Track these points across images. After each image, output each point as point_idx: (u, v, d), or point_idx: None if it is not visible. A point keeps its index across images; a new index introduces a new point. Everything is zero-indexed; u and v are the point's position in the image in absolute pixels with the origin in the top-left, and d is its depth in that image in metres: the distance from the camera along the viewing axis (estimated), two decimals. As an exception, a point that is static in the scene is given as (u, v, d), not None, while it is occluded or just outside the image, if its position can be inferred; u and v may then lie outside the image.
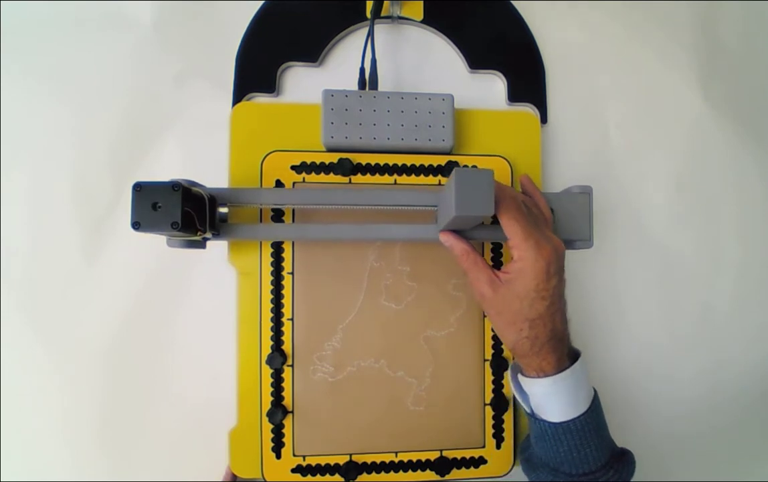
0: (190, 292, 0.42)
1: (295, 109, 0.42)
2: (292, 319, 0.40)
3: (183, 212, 0.30)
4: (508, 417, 0.42)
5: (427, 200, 0.36)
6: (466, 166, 0.41)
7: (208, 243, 0.42)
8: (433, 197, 0.36)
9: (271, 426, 0.40)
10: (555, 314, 0.32)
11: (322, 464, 0.40)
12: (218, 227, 0.35)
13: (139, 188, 0.30)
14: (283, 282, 0.40)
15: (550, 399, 0.34)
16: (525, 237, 0.32)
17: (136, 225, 0.29)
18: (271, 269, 0.40)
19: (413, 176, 0.41)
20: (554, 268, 0.32)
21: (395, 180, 0.41)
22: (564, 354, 0.34)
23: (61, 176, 0.42)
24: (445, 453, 0.41)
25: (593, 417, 0.34)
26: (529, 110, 0.45)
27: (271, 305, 0.40)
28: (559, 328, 0.33)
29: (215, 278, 0.42)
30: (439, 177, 0.41)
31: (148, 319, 0.42)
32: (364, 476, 0.40)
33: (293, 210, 0.40)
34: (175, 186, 0.30)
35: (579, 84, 0.47)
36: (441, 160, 0.41)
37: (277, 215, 0.40)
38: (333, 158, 0.40)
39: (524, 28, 0.46)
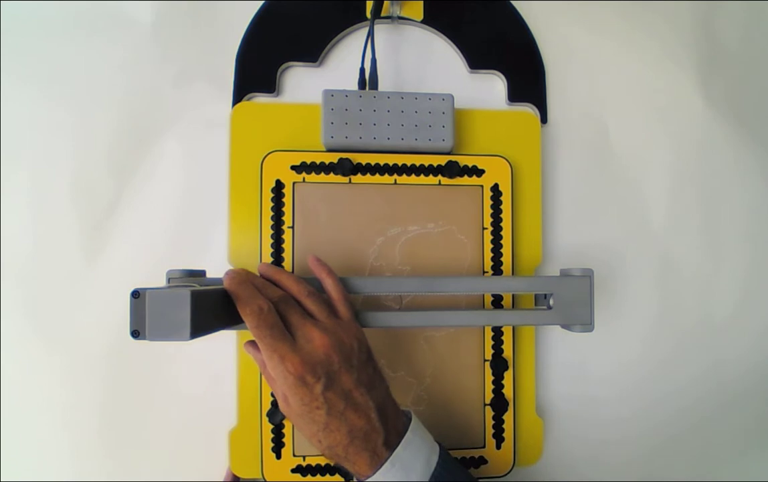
0: (190, 292, 0.42)
1: (295, 109, 0.42)
2: (292, 319, 0.40)
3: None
4: (508, 417, 0.42)
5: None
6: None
7: (210, 242, 0.42)
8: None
9: (271, 426, 0.40)
10: (345, 414, 0.30)
11: (322, 464, 0.40)
12: None
13: (137, 295, 0.28)
14: (283, 282, 0.40)
15: None
16: (269, 356, 0.29)
17: (136, 334, 0.28)
18: (271, 269, 0.40)
19: (413, 176, 0.41)
20: (313, 374, 0.29)
21: (395, 180, 0.41)
22: (379, 446, 0.30)
23: (61, 176, 0.42)
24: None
25: None
26: (529, 110, 0.45)
27: (271, 305, 0.40)
28: (358, 425, 0.30)
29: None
30: (439, 177, 0.41)
31: (148, 319, 0.42)
32: (364, 476, 0.40)
33: (293, 212, 0.40)
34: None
35: (579, 84, 0.47)
36: (441, 160, 0.41)
37: (277, 207, 0.40)
38: (333, 157, 0.40)
39: (524, 28, 0.46)
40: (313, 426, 0.30)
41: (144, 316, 0.26)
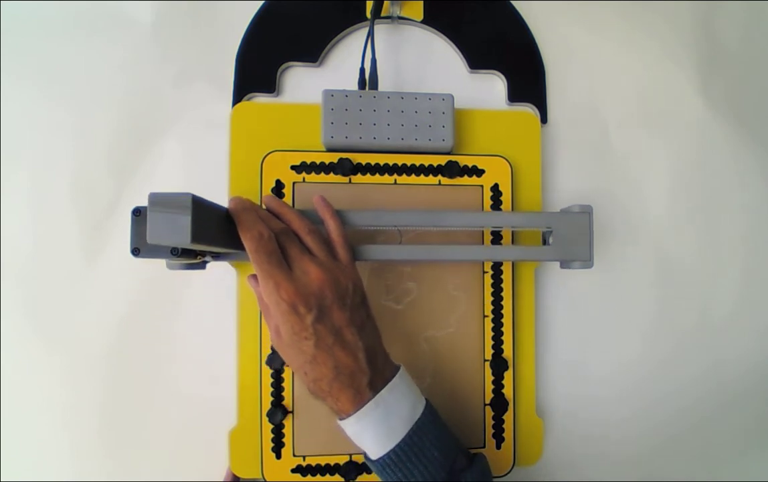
0: (191, 292, 0.42)
1: (295, 109, 0.42)
2: (292, 319, 0.40)
3: None
4: (508, 417, 0.42)
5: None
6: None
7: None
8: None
9: (271, 426, 0.40)
10: (333, 350, 0.30)
11: (322, 464, 0.40)
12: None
13: (138, 213, 0.29)
14: (283, 282, 0.40)
15: (361, 438, 0.31)
16: (264, 282, 0.30)
17: (136, 251, 0.28)
18: (271, 269, 0.40)
19: (413, 175, 0.41)
20: (306, 304, 0.29)
21: (395, 180, 0.41)
22: (363, 386, 0.31)
23: (61, 176, 0.42)
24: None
25: (415, 440, 0.31)
26: (529, 110, 0.45)
27: (271, 305, 0.40)
28: (345, 362, 0.30)
29: (215, 278, 0.42)
30: (440, 177, 0.41)
31: (149, 319, 0.42)
32: (364, 476, 0.40)
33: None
34: None
35: (579, 84, 0.47)
36: (441, 160, 0.41)
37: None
38: (333, 157, 0.40)
39: (524, 28, 0.46)
40: (301, 357, 0.31)
41: (144, 233, 0.27)
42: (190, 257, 0.32)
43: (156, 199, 0.25)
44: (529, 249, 0.40)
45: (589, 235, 0.38)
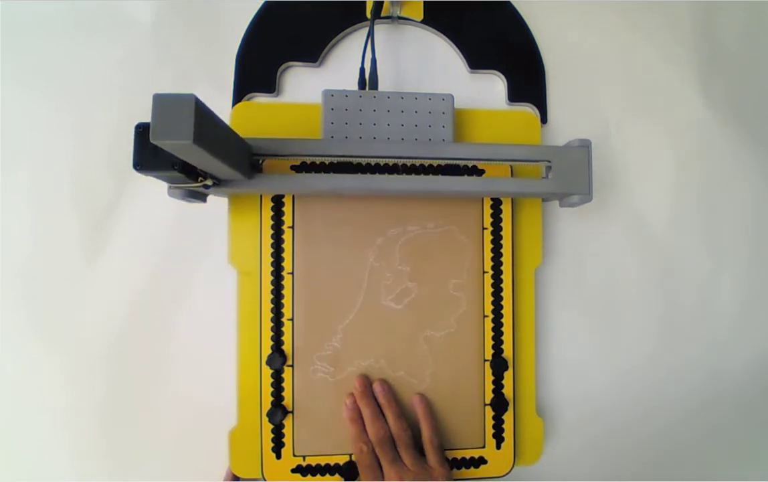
0: (190, 292, 0.42)
1: (295, 109, 0.42)
2: (292, 319, 0.40)
3: None
4: (508, 417, 0.42)
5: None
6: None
7: (210, 242, 0.42)
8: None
9: (271, 426, 0.40)
10: None
11: (322, 464, 0.40)
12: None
13: (141, 129, 0.29)
14: (283, 282, 0.40)
15: None
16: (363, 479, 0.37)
17: (137, 166, 0.29)
18: (271, 269, 0.40)
19: (413, 175, 0.41)
20: None
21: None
22: None
23: (61, 176, 0.42)
24: (444, 454, 0.41)
25: None
26: (529, 110, 0.45)
27: (271, 306, 0.40)
28: None
29: (215, 278, 0.42)
30: (440, 177, 0.41)
31: (148, 319, 0.42)
32: (364, 476, 0.40)
33: (293, 212, 0.40)
34: None
35: (579, 84, 0.47)
36: (441, 160, 0.41)
37: (277, 206, 0.40)
38: (333, 158, 0.40)
39: (524, 28, 0.46)
40: None
41: (146, 149, 0.28)
42: (191, 180, 0.32)
43: (160, 98, 0.26)
44: (529, 182, 0.39)
45: (588, 169, 0.38)
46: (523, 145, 0.38)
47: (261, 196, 0.40)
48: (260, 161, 0.37)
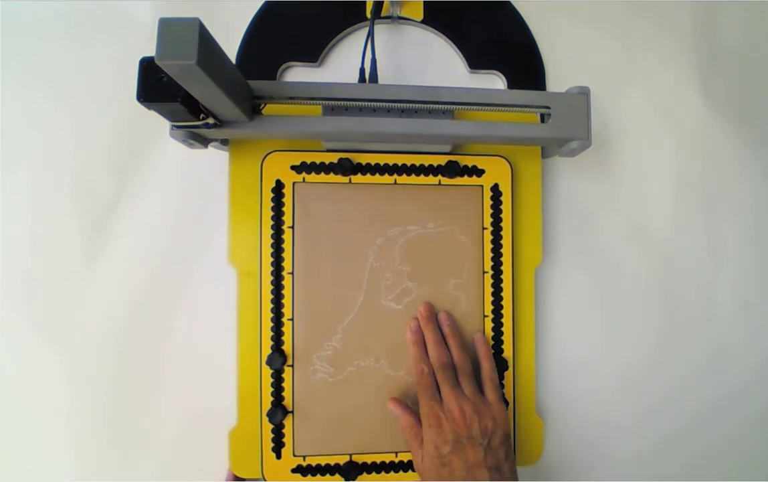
0: (190, 292, 0.42)
1: (295, 110, 0.42)
2: (292, 319, 0.40)
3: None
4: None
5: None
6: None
7: (210, 242, 0.42)
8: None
9: (271, 426, 0.40)
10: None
11: (322, 464, 0.40)
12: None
13: (146, 63, 0.30)
14: (283, 282, 0.40)
15: None
16: (421, 405, 0.36)
17: (140, 98, 0.30)
18: (271, 269, 0.40)
19: (413, 175, 0.41)
20: (445, 436, 0.34)
21: (395, 180, 0.41)
22: None
23: (61, 176, 0.42)
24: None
25: None
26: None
27: (271, 305, 0.40)
28: None
29: (215, 278, 0.42)
30: (439, 177, 0.41)
31: (148, 319, 0.42)
32: (364, 476, 0.40)
33: (293, 212, 0.40)
34: None
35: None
36: (441, 160, 0.41)
37: (277, 206, 0.40)
38: (333, 157, 0.40)
39: (524, 28, 0.46)
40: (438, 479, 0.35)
41: (149, 82, 0.30)
42: (193, 117, 0.32)
43: (165, 20, 0.27)
44: (528, 127, 0.38)
45: (587, 114, 0.38)
46: (521, 91, 0.38)
47: (261, 196, 0.40)
48: (260, 106, 0.36)
